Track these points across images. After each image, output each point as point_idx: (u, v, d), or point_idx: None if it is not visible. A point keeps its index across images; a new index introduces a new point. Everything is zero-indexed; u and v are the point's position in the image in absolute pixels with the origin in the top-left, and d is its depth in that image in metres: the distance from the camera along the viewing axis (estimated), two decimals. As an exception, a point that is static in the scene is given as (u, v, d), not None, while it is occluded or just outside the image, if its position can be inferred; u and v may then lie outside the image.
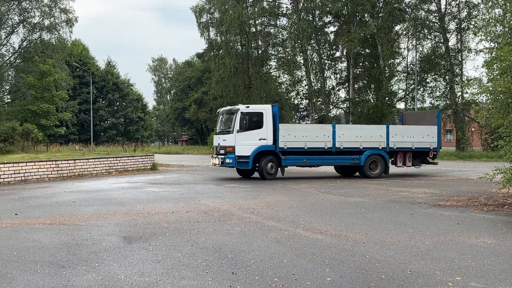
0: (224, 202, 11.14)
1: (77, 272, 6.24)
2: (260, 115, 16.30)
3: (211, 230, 8.57)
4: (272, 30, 38.77)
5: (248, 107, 17.04)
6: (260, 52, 39.21)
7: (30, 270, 6.38)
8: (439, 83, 35.83)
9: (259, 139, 16.05)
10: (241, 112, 15.86)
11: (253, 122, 16.20)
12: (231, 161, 15.92)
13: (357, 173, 17.84)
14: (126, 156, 26.59)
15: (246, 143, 15.81)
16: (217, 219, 9.51)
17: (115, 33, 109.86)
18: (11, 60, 41.01)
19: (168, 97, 77.43)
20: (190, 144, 60.48)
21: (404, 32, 37.09)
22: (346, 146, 16.78)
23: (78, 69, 50.65)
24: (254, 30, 38.38)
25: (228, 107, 18.17)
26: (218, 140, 17.18)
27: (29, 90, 39.48)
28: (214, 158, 16.96)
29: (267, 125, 16.21)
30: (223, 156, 16.32)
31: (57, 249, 7.56)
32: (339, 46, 36.42)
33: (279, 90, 36.79)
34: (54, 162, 21.86)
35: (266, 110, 16.68)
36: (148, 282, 5.78)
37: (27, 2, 38.75)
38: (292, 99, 38.51)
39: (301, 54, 37.02)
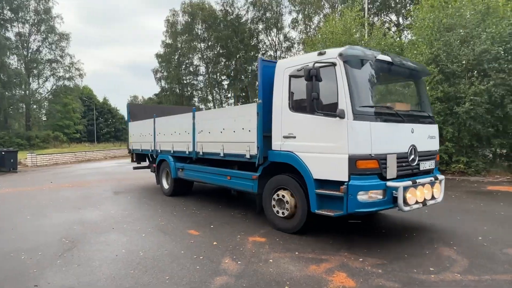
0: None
1: (88, 211, 6.82)
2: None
3: None
4: (195, 82, 47.60)
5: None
6: (188, 93, 47.69)
7: (61, 211, 6.90)
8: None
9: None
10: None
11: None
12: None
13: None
14: (115, 148, 31.46)
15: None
16: None
17: (107, 81, 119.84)
18: (46, 96, 44.96)
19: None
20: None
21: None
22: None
23: (86, 101, 56.76)
24: (185, 82, 47.11)
25: None
26: None
27: (57, 113, 45.18)
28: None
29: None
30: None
31: (76, 199, 8.22)
32: (230, 91, 47.84)
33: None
34: (73, 153, 24.07)
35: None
36: (127, 212, 6.70)
37: (55, 63, 43.06)
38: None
39: (210, 94, 46.99)
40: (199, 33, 45.18)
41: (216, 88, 47.72)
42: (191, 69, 47.58)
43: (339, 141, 4.38)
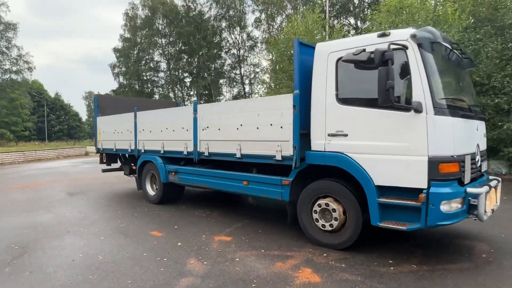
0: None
1: (39, 214, 6.41)
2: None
3: (122, 186, 9.58)
4: (155, 78, 46.04)
5: None
6: (149, 90, 45.80)
7: (8, 215, 6.47)
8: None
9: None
10: None
11: None
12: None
13: None
14: (68, 147, 31.06)
15: None
16: (128, 179, 9.49)
17: (60, 75, 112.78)
18: (-10, 91, 42.75)
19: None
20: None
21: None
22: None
23: (36, 96, 53.99)
24: (145, 78, 45.38)
25: None
26: None
27: (3, 109, 42.87)
28: None
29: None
30: None
31: (26, 202, 7.72)
32: (192, 89, 47.00)
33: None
34: (21, 152, 23.02)
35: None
36: (83, 215, 6.29)
37: (0, 55, 40.51)
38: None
39: (171, 92, 45.77)
40: (160, 29, 43.90)
41: (178, 85, 46.51)
42: (151, 65, 45.58)
43: (415, 140, 3.68)
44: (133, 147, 7.99)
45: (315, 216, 4.58)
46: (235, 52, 42.90)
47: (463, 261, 4.13)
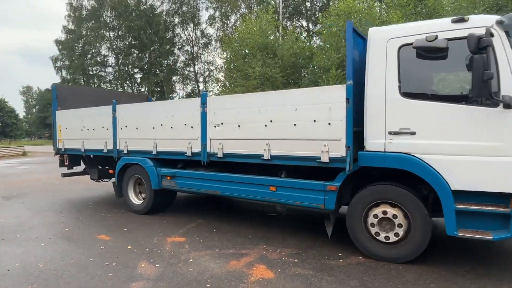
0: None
1: None
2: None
3: (65, 188, 9.13)
4: (103, 73, 43.74)
5: None
6: (95, 86, 42.40)
7: None
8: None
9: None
10: None
11: None
12: None
13: None
14: (4, 147, 28.81)
15: None
16: (69, 181, 9.45)
17: None
18: None
19: (34, 110, 78.90)
20: (50, 139, 63.25)
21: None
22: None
23: None
24: (91, 73, 42.83)
25: None
26: None
27: None
28: None
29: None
30: None
31: None
32: (143, 85, 45.30)
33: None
34: None
35: None
36: (21, 220, 5.88)
37: None
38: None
39: (120, 88, 43.09)
40: (108, 21, 41.74)
41: (127, 81, 44.63)
42: (98, 59, 43.32)
43: (506, 139, 3.32)
44: (110, 147, 6.82)
45: (371, 226, 4.05)
46: (189, 49, 42.13)
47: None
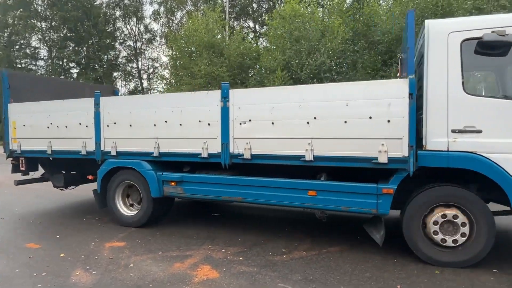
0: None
1: None
2: None
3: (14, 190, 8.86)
4: (33, 67, 40.10)
5: None
6: None
7: None
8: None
9: None
10: None
11: None
12: None
13: None
14: None
15: None
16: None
17: None
18: None
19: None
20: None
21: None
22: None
23: None
24: (20, 66, 38.87)
25: None
26: None
27: None
28: None
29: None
30: None
31: None
32: (80, 81, 42.36)
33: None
34: None
35: None
36: None
37: None
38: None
39: None
40: (39, 10, 38.29)
41: (62, 76, 41.44)
42: (27, 51, 40.00)
43: None
44: (91, 148, 5.75)
45: (434, 234, 3.81)
46: (131, 44, 40.31)
47: (342, 243, 4.71)
